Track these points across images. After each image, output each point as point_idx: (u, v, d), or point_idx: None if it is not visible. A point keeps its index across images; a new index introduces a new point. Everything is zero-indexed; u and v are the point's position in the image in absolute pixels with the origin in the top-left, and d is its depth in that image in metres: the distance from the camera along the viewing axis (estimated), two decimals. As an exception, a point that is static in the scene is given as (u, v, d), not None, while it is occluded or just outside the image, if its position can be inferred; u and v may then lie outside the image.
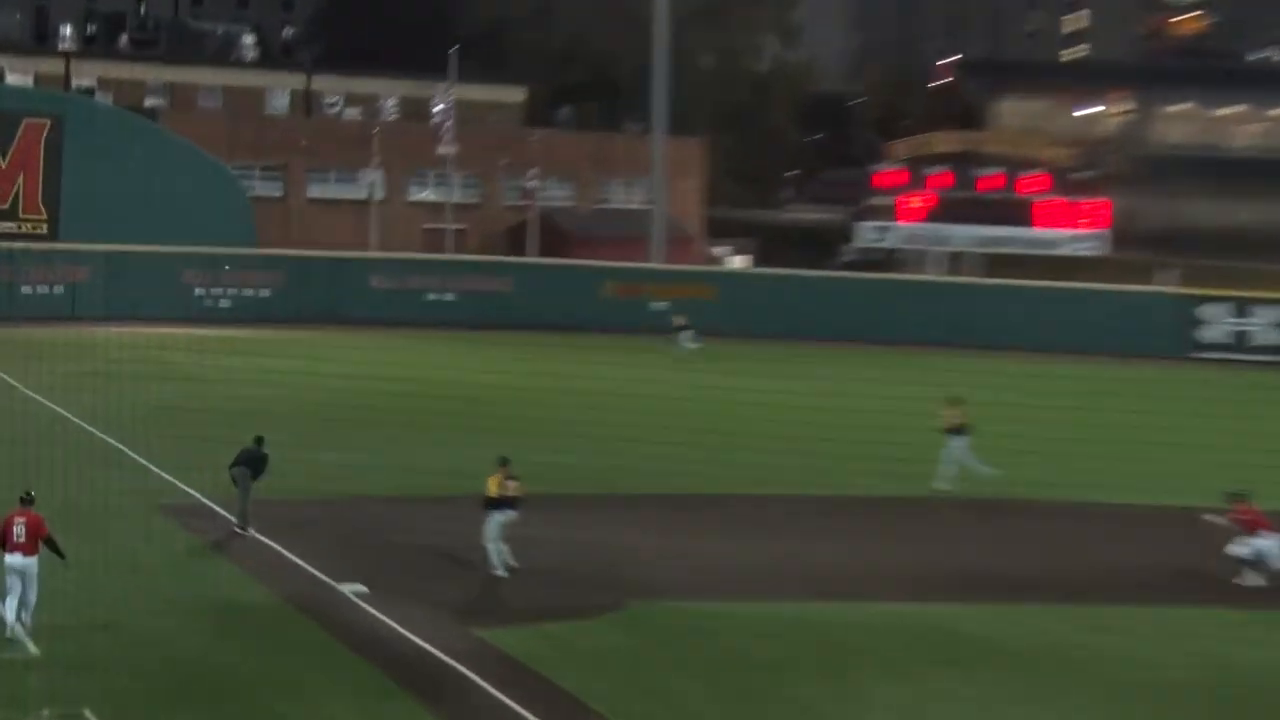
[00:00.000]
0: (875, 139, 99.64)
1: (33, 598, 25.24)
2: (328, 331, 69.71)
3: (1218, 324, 72.38)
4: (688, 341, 67.48)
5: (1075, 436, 50.19)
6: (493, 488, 31.38)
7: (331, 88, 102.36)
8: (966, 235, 79.60)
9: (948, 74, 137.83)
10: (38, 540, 25.12)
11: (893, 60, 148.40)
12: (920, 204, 79.58)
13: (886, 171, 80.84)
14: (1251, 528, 32.56)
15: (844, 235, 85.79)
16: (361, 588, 29.93)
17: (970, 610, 30.56)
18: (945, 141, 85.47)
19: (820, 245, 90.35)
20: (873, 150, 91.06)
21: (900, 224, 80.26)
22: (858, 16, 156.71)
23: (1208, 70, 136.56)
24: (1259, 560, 32.60)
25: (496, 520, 31.40)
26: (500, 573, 31.14)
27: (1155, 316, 73.15)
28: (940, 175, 79.23)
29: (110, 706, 22.79)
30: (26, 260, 69.09)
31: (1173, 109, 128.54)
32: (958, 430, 40.79)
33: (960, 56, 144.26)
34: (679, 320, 68.68)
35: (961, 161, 79.98)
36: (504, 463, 32.07)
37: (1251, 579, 32.25)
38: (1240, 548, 32.49)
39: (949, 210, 78.04)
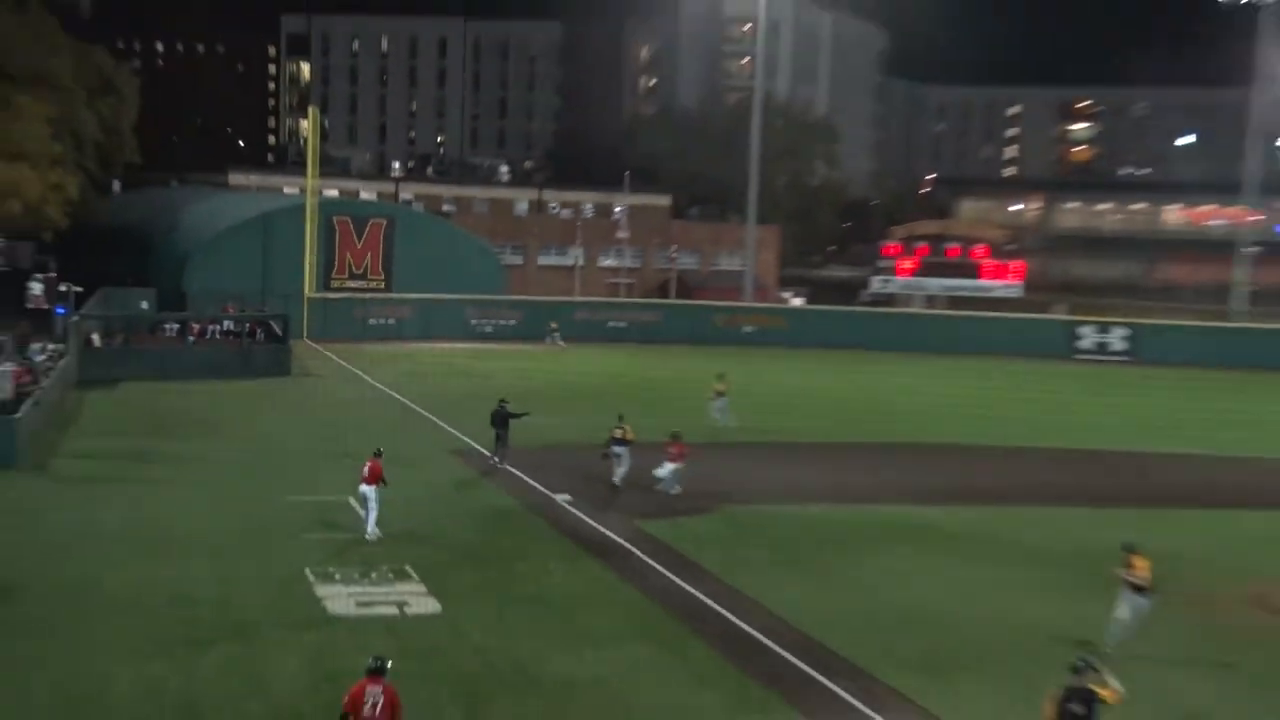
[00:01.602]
0: (884, 225, 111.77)
1: (373, 512, 29.16)
2: (549, 347, 79.23)
3: (1088, 338, 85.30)
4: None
5: (1023, 407, 57.81)
6: (615, 434, 34.58)
7: (553, 197, 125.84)
8: (938, 284, 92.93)
9: (930, 185, 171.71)
10: (378, 477, 29.24)
11: (897, 176, 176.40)
12: (910, 265, 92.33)
13: (890, 245, 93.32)
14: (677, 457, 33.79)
15: (863, 285, 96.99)
16: (568, 497, 33.93)
17: (933, 510, 34.62)
18: (926, 227, 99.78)
19: (848, 291, 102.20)
20: (883, 232, 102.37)
21: (898, 278, 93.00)
22: (876, 148, 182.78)
23: (1091, 182, 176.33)
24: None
25: (615, 453, 34.32)
26: (616, 481, 34.50)
27: (1049, 333, 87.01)
28: (922, 247, 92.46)
29: (420, 566, 26.85)
30: (372, 303, 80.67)
31: (1068, 206, 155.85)
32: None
33: (936, 175, 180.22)
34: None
35: (936, 239, 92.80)
36: (620, 418, 35.21)
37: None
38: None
39: (928, 269, 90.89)
